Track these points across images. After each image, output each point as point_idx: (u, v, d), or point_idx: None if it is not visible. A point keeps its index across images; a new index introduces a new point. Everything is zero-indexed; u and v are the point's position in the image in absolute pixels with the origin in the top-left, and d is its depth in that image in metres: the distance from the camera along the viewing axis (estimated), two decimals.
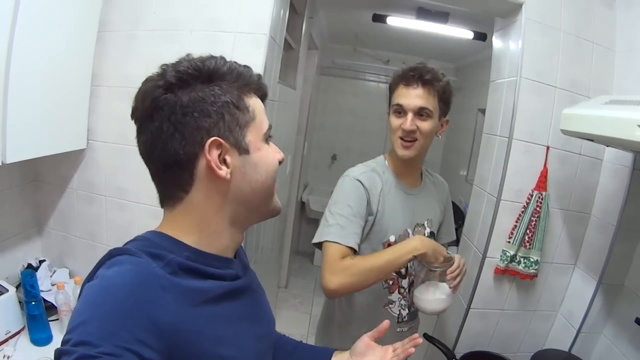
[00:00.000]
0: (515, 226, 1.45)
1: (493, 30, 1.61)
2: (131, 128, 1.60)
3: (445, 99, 1.10)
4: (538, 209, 1.42)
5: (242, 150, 0.58)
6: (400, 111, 1.09)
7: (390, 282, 1.18)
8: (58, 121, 1.34)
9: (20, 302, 1.39)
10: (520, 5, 1.39)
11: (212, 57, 0.58)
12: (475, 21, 2.25)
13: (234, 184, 0.58)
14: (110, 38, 1.45)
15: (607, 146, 1.34)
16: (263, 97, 0.64)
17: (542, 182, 1.43)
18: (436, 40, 2.69)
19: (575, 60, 1.42)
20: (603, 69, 1.43)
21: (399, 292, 1.20)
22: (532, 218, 1.42)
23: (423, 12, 2.12)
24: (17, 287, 1.42)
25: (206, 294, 0.56)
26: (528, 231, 1.43)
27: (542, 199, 1.42)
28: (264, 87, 0.63)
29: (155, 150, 0.56)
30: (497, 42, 1.57)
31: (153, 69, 1.56)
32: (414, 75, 1.07)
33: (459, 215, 2.65)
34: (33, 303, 1.32)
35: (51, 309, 1.41)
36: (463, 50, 3.10)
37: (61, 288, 1.37)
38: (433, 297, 1.09)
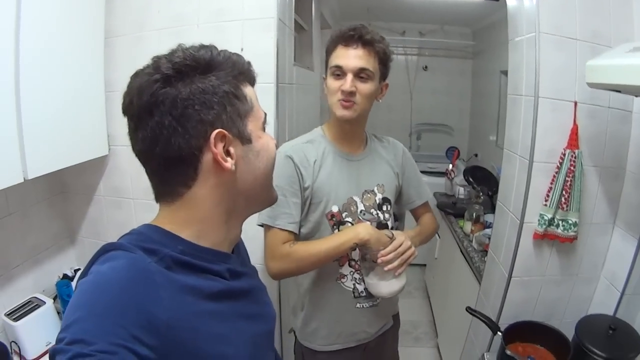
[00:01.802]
0: (551, 188, 1.39)
1: None
2: None
3: (385, 62, 1.08)
4: (572, 168, 1.36)
5: (245, 140, 0.58)
6: (339, 73, 1.05)
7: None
8: (77, 131, 1.35)
9: (58, 313, 1.42)
10: None
11: (204, 46, 0.57)
12: None
13: (238, 174, 0.58)
14: (118, 43, 1.46)
15: (636, 96, 1.28)
16: (253, 84, 0.63)
17: (573, 140, 1.37)
18: (449, 6, 2.64)
19: (593, 9, 1.35)
20: (623, 16, 1.36)
21: (350, 265, 1.16)
22: (567, 178, 1.36)
23: None
24: (54, 299, 1.44)
25: (202, 291, 0.55)
26: (564, 192, 1.37)
27: (575, 158, 1.36)
28: (254, 73, 0.62)
29: (157, 147, 0.53)
30: (511, 0, 1.51)
31: None
32: (354, 35, 1.03)
33: (493, 182, 2.61)
34: None
35: None
36: (478, 13, 3.02)
37: None
38: (379, 281, 1.09)
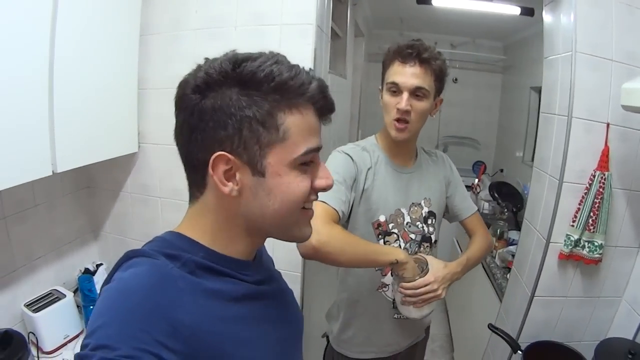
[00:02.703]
0: (579, 209, 1.38)
1: (541, 4, 1.55)
2: None
3: (441, 78, 1.08)
4: (601, 190, 1.35)
5: (257, 171, 0.52)
6: (395, 90, 1.05)
7: None
8: (107, 127, 1.36)
9: (78, 306, 1.41)
10: None
11: (255, 56, 0.51)
12: None
13: (244, 201, 0.54)
14: (153, 41, 1.46)
15: None
16: (321, 113, 0.55)
17: (603, 162, 1.36)
18: (482, 19, 2.63)
19: (629, 30, 1.35)
20: None
21: (392, 275, 1.14)
22: (595, 200, 1.36)
23: None
24: (74, 292, 1.44)
25: (225, 294, 0.55)
26: (592, 214, 1.36)
27: (604, 180, 1.35)
28: (322, 100, 0.54)
29: (178, 144, 0.56)
30: (547, 16, 1.51)
31: None
32: (412, 53, 1.03)
33: (518, 199, 2.59)
34: (91, 307, 1.34)
35: None
36: (510, 27, 3.00)
37: None
38: (405, 304, 1.09)
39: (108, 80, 1.34)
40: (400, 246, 1.15)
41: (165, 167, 1.48)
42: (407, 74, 1.03)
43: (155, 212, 1.52)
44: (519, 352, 1.33)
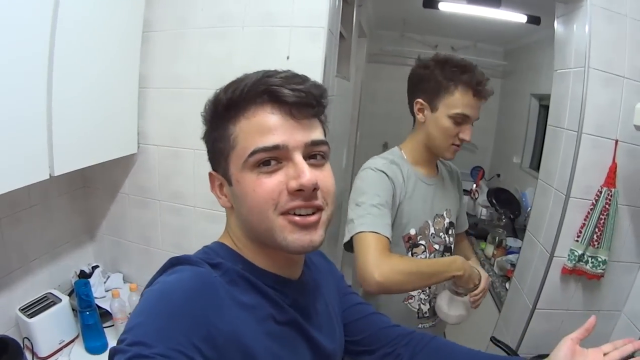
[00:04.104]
0: (584, 224, 1.38)
1: (547, 14, 1.54)
2: (183, 129, 1.56)
3: None
4: (607, 206, 1.35)
5: (229, 182, 0.57)
6: (461, 120, 1.05)
7: None
8: (107, 127, 1.31)
9: (73, 310, 1.38)
10: None
11: (236, 82, 0.54)
12: (529, 4, 2.16)
13: (235, 212, 0.59)
14: (157, 38, 1.41)
15: None
16: (279, 102, 0.52)
17: (611, 178, 1.36)
18: (486, 24, 2.59)
19: None
20: None
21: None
22: (601, 216, 1.35)
23: None
24: (69, 294, 1.40)
25: (260, 312, 0.55)
26: (597, 230, 1.36)
27: (611, 196, 1.35)
28: (269, 92, 0.52)
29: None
30: (559, 28, 1.49)
31: (204, 69, 1.50)
32: (487, 91, 1.04)
33: (515, 205, 2.58)
34: (87, 312, 1.31)
35: (105, 315, 1.39)
36: (513, 33, 2.98)
37: (116, 296, 1.35)
38: (456, 313, 1.12)
39: (108, 78, 1.28)
40: (425, 257, 1.16)
41: (166, 170, 1.44)
42: (476, 108, 1.05)
43: (153, 215, 1.48)
44: None
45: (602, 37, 1.32)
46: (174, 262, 0.55)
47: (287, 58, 1.28)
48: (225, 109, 0.54)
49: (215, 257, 0.56)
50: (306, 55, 1.28)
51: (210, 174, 0.60)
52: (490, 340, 1.38)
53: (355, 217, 0.99)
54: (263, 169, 0.52)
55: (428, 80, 1.07)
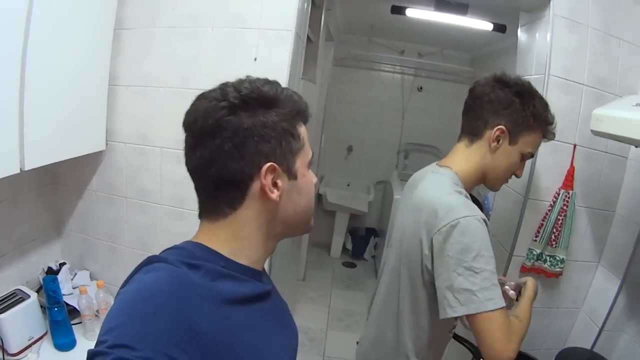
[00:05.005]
0: (542, 225, 1.44)
1: (513, 22, 1.58)
2: (151, 127, 1.55)
3: None
4: (565, 207, 1.41)
5: (292, 176, 0.60)
6: (526, 158, 1.03)
7: None
8: (76, 124, 1.31)
9: (42, 307, 1.38)
10: (548, 1, 1.36)
11: (269, 82, 0.60)
12: (494, 12, 2.22)
13: (281, 205, 0.60)
14: (127, 36, 1.41)
15: (637, 147, 1.33)
16: (306, 123, 0.65)
17: (568, 181, 1.42)
18: (452, 31, 2.64)
19: (602, 57, 1.40)
20: (630, 66, 1.41)
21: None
22: (558, 217, 1.41)
23: (442, 4, 2.08)
24: (37, 291, 1.40)
25: (243, 294, 0.58)
26: (555, 230, 1.42)
27: (569, 198, 1.41)
28: (308, 113, 0.65)
29: (213, 167, 0.56)
30: (522, 36, 1.54)
31: (172, 68, 1.51)
32: (552, 134, 1.03)
33: (478, 208, 2.63)
34: (56, 309, 1.31)
35: (73, 312, 1.39)
36: (479, 40, 3.04)
37: (84, 293, 1.35)
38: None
39: (80, 74, 1.28)
40: None
41: (133, 167, 1.44)
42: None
43: (120, 212, 1.48)
44: None
45: (563, 46, 1.37)
46: (152, 260, 0.55)
47: (255, 60, 1.30)
48: (292, 108, 0.60)
49: (192, 257, 0.56)
50: (273, 57, 1.30)
51: (271, 166, 0.57)
52: (453, 337, 1.42)
53: (476, 289, 0.83)
54: (311, 168, 0.66)
55: (517, 111, 0.98)
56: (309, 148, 0.64)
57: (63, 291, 1.42)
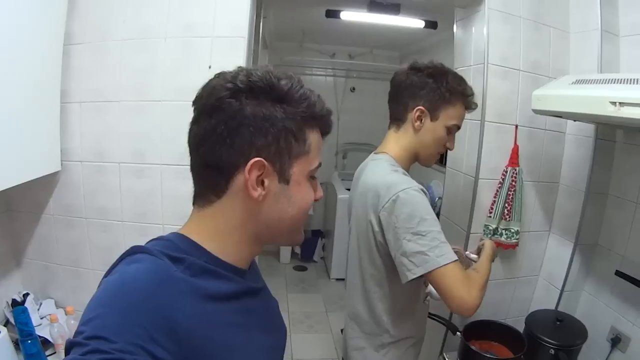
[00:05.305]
0: (494, 201, 1.55)
1: (445, 18, 1.68)
2: (107, 144, 1.50)
3: None
4: (513, 183, 1.53)
5: (283, 179, 0.57)
6: (453, 131, 1.11)
7: None
8: (28, 146, 1.25)
9: (14, 342, 1.30)
10: None
11: (290, 77, 0.57)
12: (426, 10, 2.34)
13: (265, 207, 0.58)
14: (78, 51, 1.37)
15: (575, 121, 1.46)
16: (325, 134, 0.63)
17: (514, 159, 1.54)
18: (383, 31, 2.73)
19: (535, 44, 1.54)
20: (560, 50, 1.56)
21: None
22: (509, 192, 1.53)
23: (375, 5, 2.15)
24: (5, 325, 1.32)
25: (224, 293, 0.57)
26: (506, 205, 1.54)
27: (516, 174, 1.53)
28: (330, 124, 0.62)
29: (203, 146, 0.56)
30: (459, 31, 1.66)
31: (126, 80, 1.49)
32: (473, 103, 1.12)
33: None
34: (29, 341, 1.24)
35: (44, 343, 1.33)
36: (409, 38, 3.16)
37: (55, 321, 1.29)
38: None
39: (28, 93, 1.22)
40: None
41: (91, 186, 1.40)
42: (464, 118, 1.12)
43: (81, 235, 1.43)
44: (458, 333, 1.44)
45: (499, 37, 1.50)
46: (136, 250, 0.54)
47: (209, 67, 1.31)
48: (306, 108, 0.56)
49: (175, 250, 0.55)
50: (228, 64, 1.28)
51: (259, 161, 0.54)
52: (428, 316, 1.49)
53: (426, 249, 0.92)
54: (313, 181, 0.62)
55: (432, 90, 1.07)
56: (316, 158, 0.60)
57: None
